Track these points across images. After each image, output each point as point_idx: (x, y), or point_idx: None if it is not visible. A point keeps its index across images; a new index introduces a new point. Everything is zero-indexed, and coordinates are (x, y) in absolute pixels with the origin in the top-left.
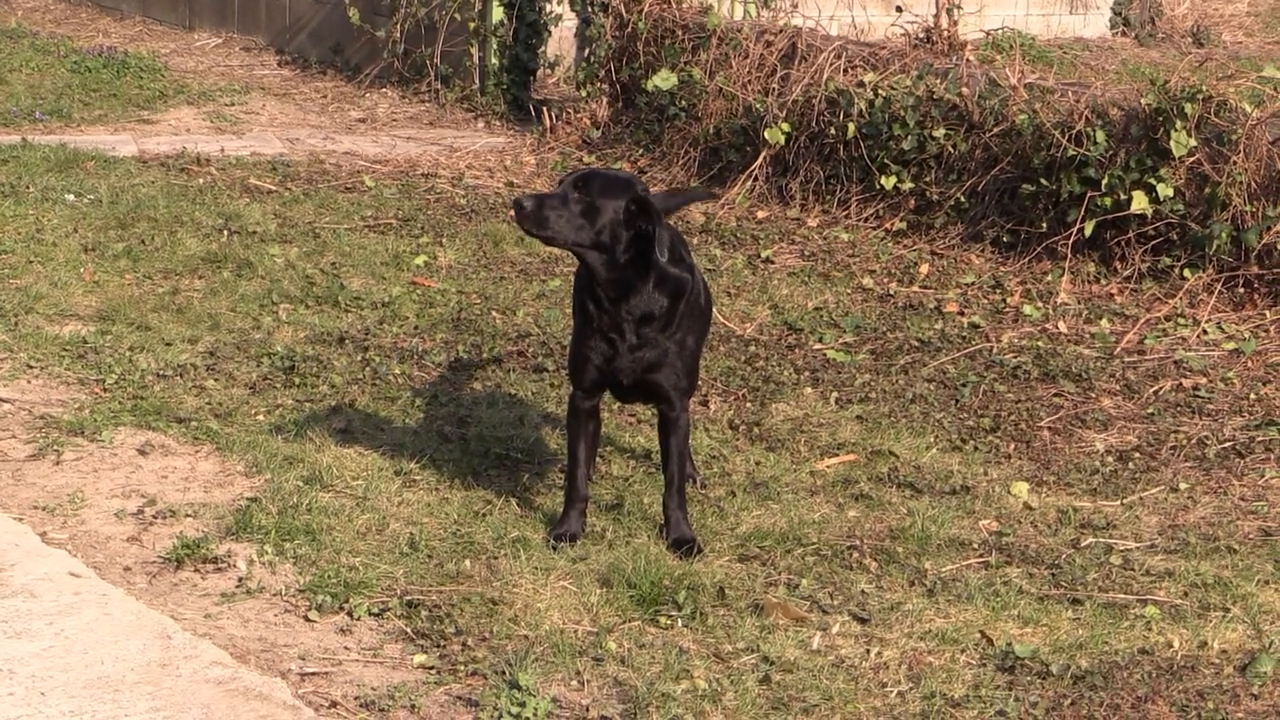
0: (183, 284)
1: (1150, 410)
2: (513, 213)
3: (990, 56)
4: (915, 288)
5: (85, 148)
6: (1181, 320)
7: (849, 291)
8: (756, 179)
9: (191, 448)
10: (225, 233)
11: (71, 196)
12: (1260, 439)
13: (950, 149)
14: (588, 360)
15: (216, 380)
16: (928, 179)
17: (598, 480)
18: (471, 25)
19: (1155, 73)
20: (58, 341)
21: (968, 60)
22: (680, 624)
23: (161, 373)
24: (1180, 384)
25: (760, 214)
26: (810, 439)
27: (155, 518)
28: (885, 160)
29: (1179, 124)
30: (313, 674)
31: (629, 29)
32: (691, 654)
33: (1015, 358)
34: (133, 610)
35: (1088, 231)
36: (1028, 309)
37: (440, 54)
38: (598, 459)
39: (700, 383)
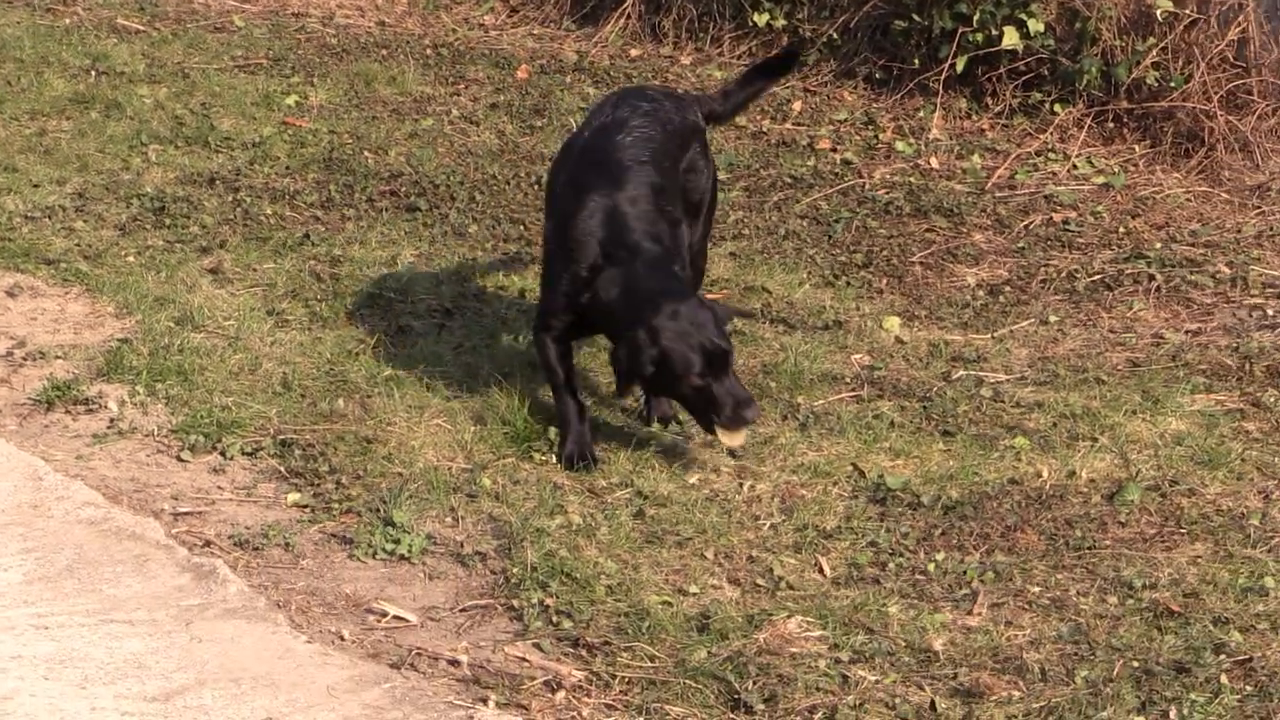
0: (50, 125)
1: (1020, 244)
2: None
3: None
4: (788, 125)
5: None
6: (1052, 155)
7: (722, 129)
8: (629, 16)
9: (61, 289)
10: (93, 73)
11: None
12: (1129, 272)
13: None
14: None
15: (85, 222)
16: (800, 16)
17: (471, 318)
18: None
19: None
20: None
21: None
22: (554, 460)
23: (29, 215)
24: (1050, 218)
25: (633, 52)
26: None
27: (25, 359)
28: None
29: None
30: (186, 514)
31: None
32: (565, 489)
33: (887, 194)
34: (3, 452)
35: (959, 68)
36: (900, 145)
37: None
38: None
39: None
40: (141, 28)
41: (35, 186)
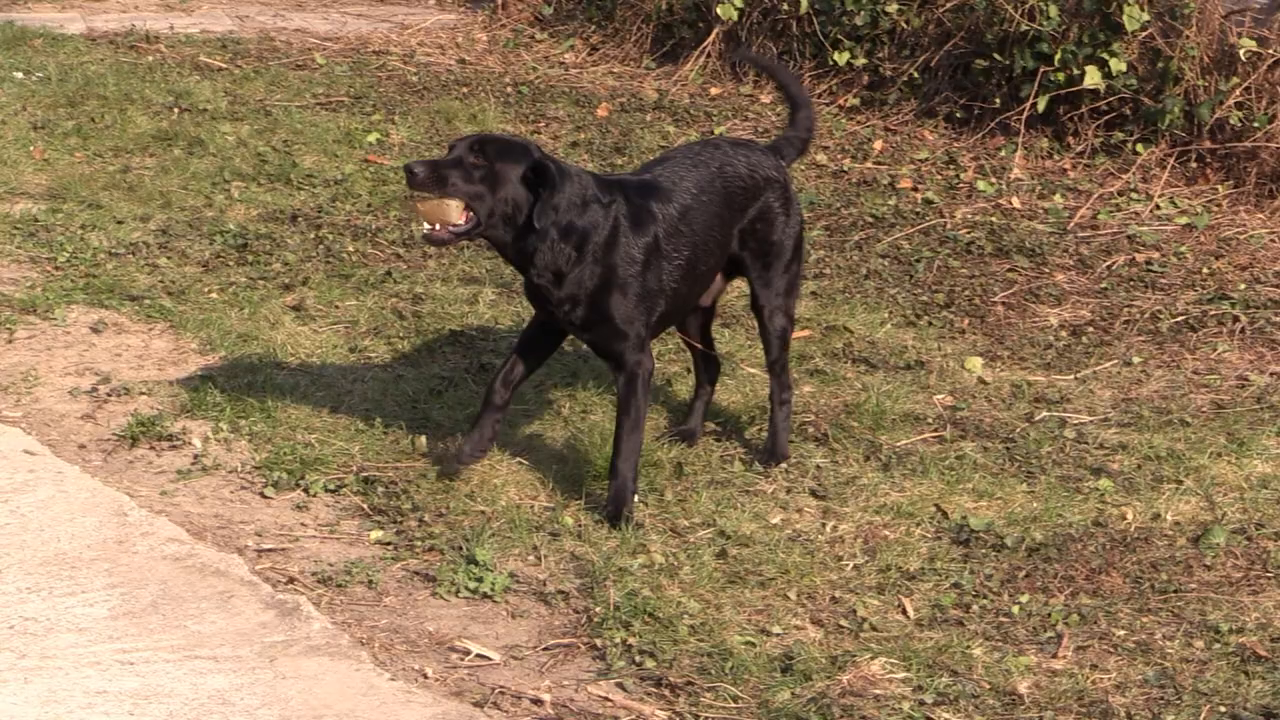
0: (134, 162)
1: (1104, 285)
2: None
3: None
4: (869, 164)
5: (33, 25)
6: (1135, 195)
7: (803, 167)
8: (709, 55)
9: (145, 325)
10: (176, 110)
11: (20, 74)
12: (1212, 313)
13: (903, 24)
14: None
15: (169, 258)
16: (881, 55)
17: (554, 356)
18: None
19: None
20: (8, 220)
21: None
22: (636, 499)
23: (113, 251)
24: (1133, 259)
25: (713, 91)
26: None
27: (109, 395)
28: (838, 36)
29: None
30: (269, 550)
31: None
32: (648, 529)
33: (969, 233)
34: (88, 487)
35: (1041, 107)
36: (981, 185)
37: None
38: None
39: None
40: (224, 65)
41: (119, 223)
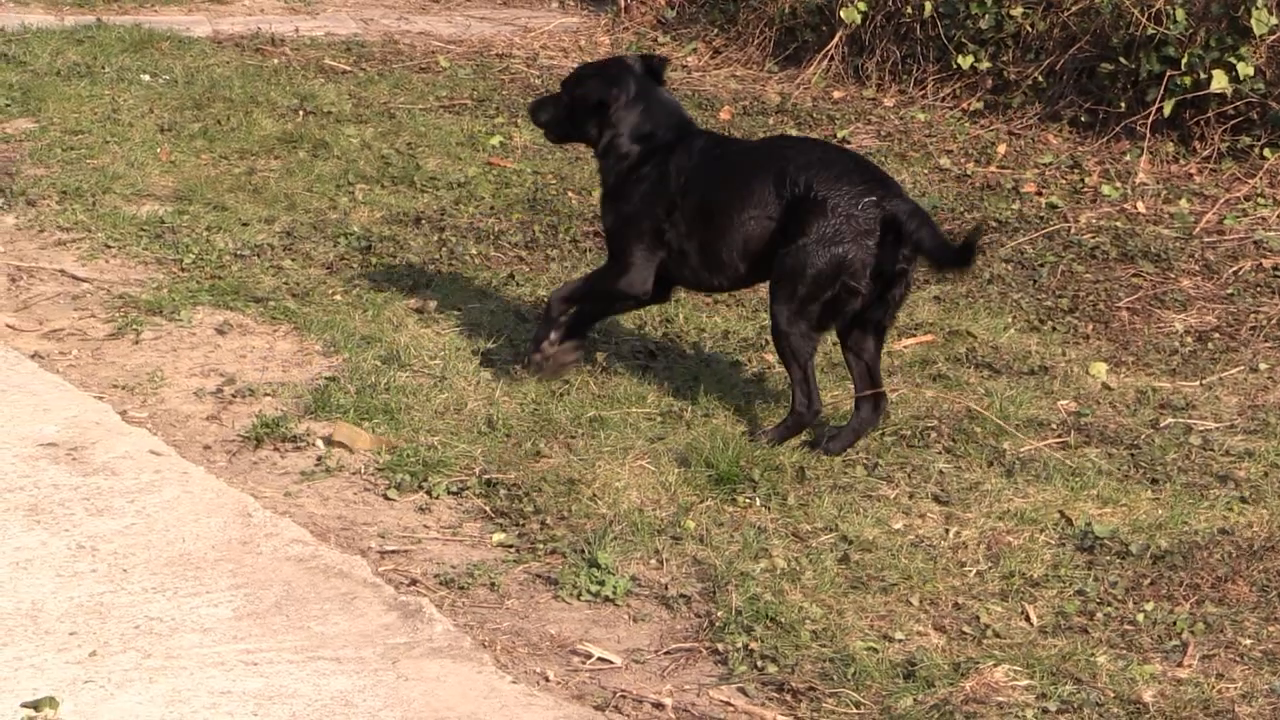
0: (259, 164)
1: (1230, 290)
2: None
3: None
4: (993, 168)
5: (160, 28)
6: (1261, 200)
7: (926, 172)
8: (832, 59)
9: (269, 327)
10: (301, 113)
11: (147, 77)
12: None
13: (1028, 27)
14: None
15: (293, 260)
16: (1005, 58)
17: (675, 359)
18: None
19: None
20: (135, 221)
21: None
22: (759, 503)
23: (238, 252)
24: (1260, 264)
25: (836, 94)
26: None
27: (234, 396)
28: (962, 39)
29: (1260, 1)
30: (392, 552)
31: None
32: (770, 533)
33: (1093, 238)
34: (213, 488)
35: (1167, 111)
36: (1106, 189)
37: None
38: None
39: None
40: (348, 68)
41: (244, 225)
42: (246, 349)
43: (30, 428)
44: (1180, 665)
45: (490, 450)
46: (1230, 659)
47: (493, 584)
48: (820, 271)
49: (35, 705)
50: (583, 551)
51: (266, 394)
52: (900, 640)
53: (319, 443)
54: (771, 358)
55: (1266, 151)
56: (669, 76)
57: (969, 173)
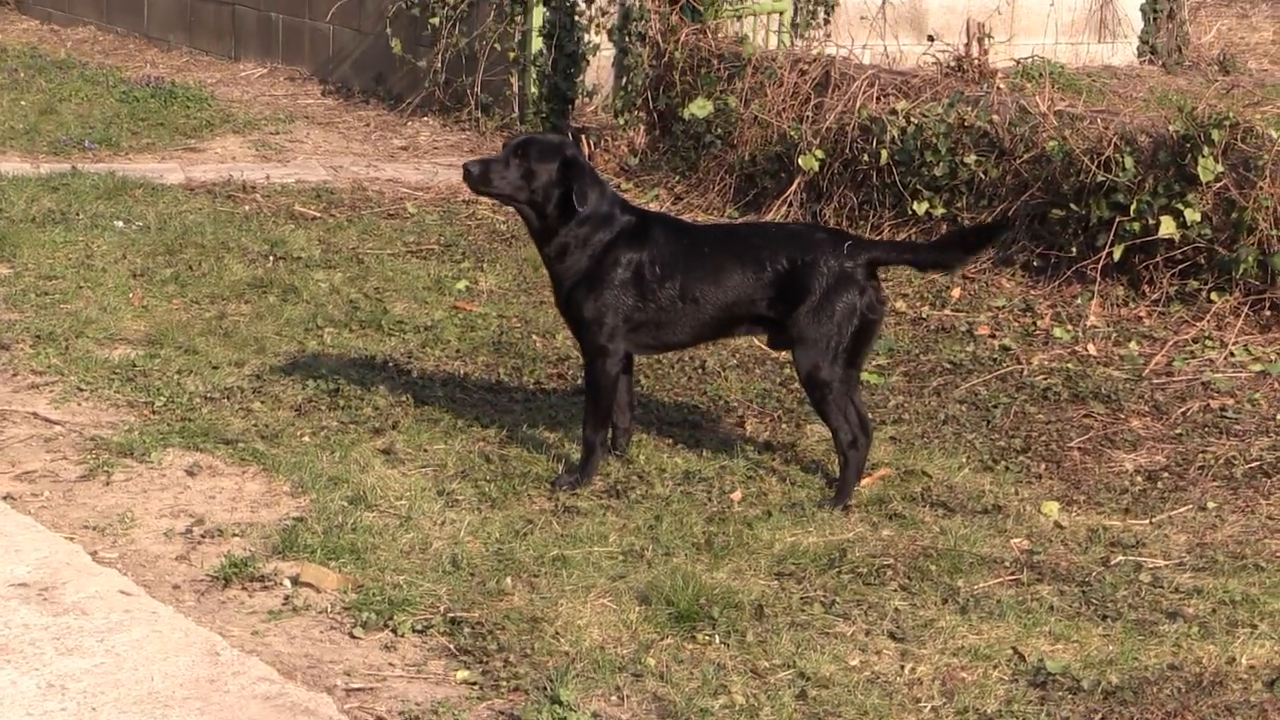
0: (229, 308)
1: (1178, 431)
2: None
3: (1020, 84)
4: (947, 311)
5: (133, 176)
6: (1209, 342)
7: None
8: (791, 204)
9: (239, 468)
10: (271, 258)
11: (120, 223)
12: None
13: (981, 175)
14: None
15: (263, 402)
16: (959, 204)
17: (637, 499)
18: (511, 55)
19: (1183, 100)
20: (107, 365)
21: (998, 88)
22: (718, 640)
23: (209, 395)
24: (1208, 405)
25: None
26: None
27: (203, 537)
28: (918, 186)
29: (1206, 150)
30: (358, 689)
31: (665, 58)
32: (729, 670)
33: (1046, 379)
34: (182, 627)
35: (1116, 256)
36: (1058, 332)
37: (481, 83)
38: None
39: (736, 403)
40: (318, 214)
41: (215, 368)
42: (216, 490)
43: (1, 568)
44: None
45: (455, 589)
46: None
47: None
48: (840, 314)
49: None
50: (545, 689)
51: (235, 534)
52: None
53: (286, 582)
54: (738, 495)
55: (1213, 295)
56: None
57: (924, 316)
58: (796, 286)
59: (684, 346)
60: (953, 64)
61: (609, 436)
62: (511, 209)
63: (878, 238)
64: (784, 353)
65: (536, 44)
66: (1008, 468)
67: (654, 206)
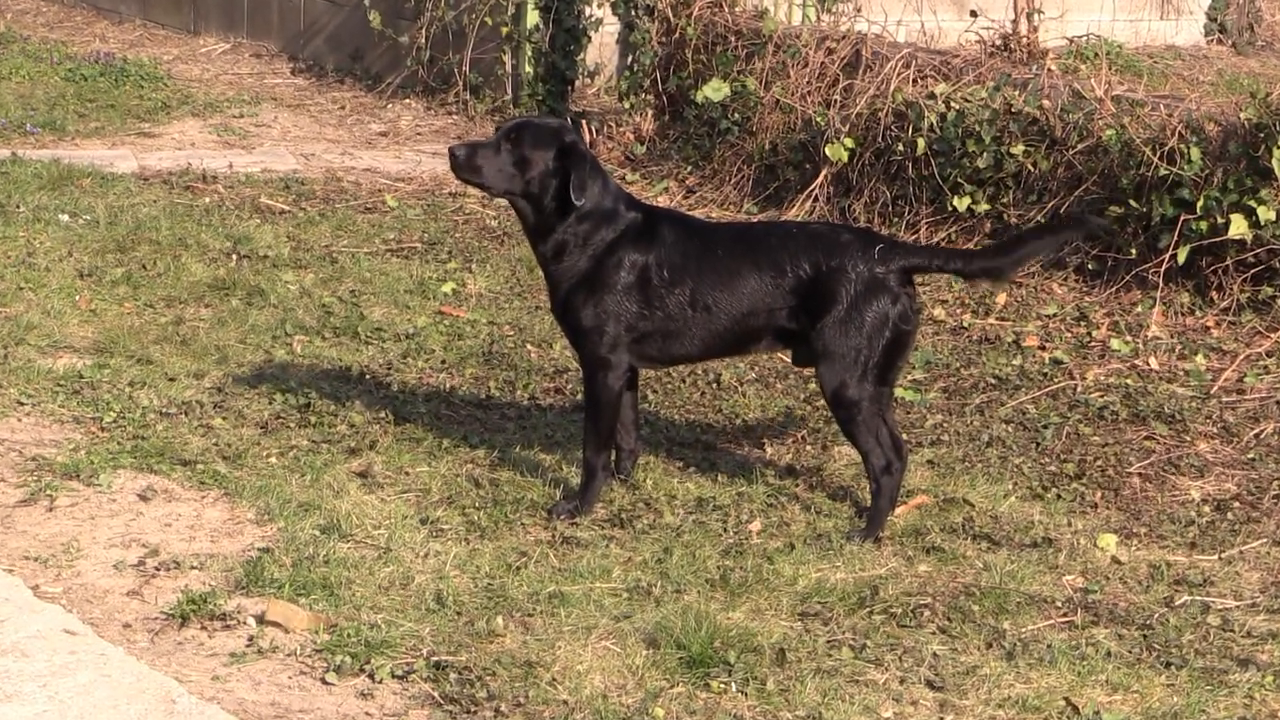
0: (187, 313)
1: (1251, 455)
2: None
3: (1074, 66)
4: (992, 319)
5: (81, 163)
6: None
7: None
8: (817, 199)
9: (197, 493)
10: (234, 257)
11: (66, 217)
12: None
13: (1030, 167)
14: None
15: (225, 419)
16: (1005, 200)
17: (644, 529)
18: (504, 31)
19: (1255, 84)
20: (51, 376)
21: (1049, 70)
22: (734, 689)
23: (164, 410)
24: None
25: None
26: None
27: (158, 570)
28: (958, 179)
29: None
30: None
31: (676, 35)
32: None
33: (1102, 397)
34: (133, 671)
35: (1181, 258)
36: (1115, 343)
37: (469, 62)
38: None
39: (755, 422)
40: (286, 208)
41: (171, 380)
42: (172, 517)
43: None
44: None
45: (439, 629)
46: None
47: None
48: (870, 325)
49: None
50: None
51: (193, 567)
52: None
53: (251, 621)
54: (756, 526)
55: None
56: None
57: (966, 325)
58: (821, 294)
59: (695, 360)
60: (998, 43)
61: (612, 459)
62: (503, 202)
63: (913, 237)
64: (810, 369)
65: (532, 18)
66: (1059, 496)
67: (663, 201)
